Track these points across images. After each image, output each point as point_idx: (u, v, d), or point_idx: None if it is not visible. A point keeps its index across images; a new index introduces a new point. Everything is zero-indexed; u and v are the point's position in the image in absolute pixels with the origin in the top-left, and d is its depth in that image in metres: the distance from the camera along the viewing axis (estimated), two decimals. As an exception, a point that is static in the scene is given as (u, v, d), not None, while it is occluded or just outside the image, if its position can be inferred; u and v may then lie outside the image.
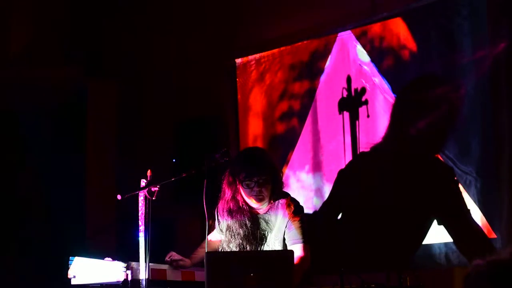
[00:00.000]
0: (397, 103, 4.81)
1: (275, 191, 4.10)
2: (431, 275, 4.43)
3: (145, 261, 3.85)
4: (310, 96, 5.26)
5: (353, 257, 4.66)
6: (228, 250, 4.11)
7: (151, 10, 6.45)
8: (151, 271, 3.91)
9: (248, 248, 4.07)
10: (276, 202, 4.10)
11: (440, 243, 4.55)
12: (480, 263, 2.16)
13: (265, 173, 4.03)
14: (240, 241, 4.09)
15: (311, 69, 5.27)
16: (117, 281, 3.94)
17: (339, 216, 5.01)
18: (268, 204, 4.11)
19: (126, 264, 3.95)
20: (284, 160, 5.33)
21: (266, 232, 4.10)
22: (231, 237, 4.11)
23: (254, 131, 5.58)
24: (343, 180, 4.99)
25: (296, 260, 3.79)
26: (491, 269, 2.13)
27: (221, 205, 4.17)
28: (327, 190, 5.10)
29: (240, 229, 4.09)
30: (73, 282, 4.07)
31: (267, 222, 4.11)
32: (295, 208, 4.08)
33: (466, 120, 4.50)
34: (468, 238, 4.45)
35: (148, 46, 6.40)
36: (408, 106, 4.77)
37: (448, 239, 4.53)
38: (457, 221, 4.50)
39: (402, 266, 3.92)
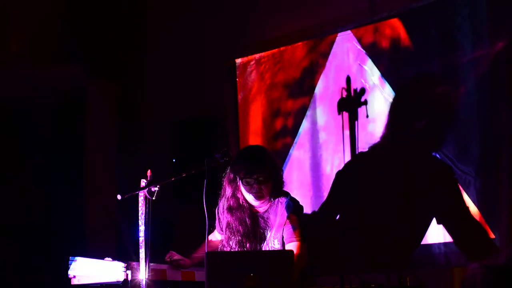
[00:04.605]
0: (397, 103, 4.81)
1: (275, 189, 4.09)
2: (431, 275, 4.43)
3: (145, 261, 3.86)
4: (309, 96, 5.26)
5: (353, 257, 4.66)
6: (228, 247, 4.10)
7: (151, 10, 6.45)
8: (151, 271, 3.91)
9: (248, 245, 4.07)
10: (276, 200, 4.10)
11: (440, 243, 4.55)
12: (476, 267, 2.16)
13: (265, 171, 4.03)
14: (240, 238, 4.08)
15: (311, 69, 5.28)
16: (117, 281, 3.94)
17: (338, 217, 5.02)
18: (268, 203, 4.10)
19: (126, 264, 3.95)
20: (283, 159, 5.33)
21: (266, 230, 4.10)
22: (231, 234, 4.11)
23: (254, 131, 5.58)
24: (342, 180, 4.99)
25: (292, 258, 3.78)
26: (487, 273, 2.13)
27: (222, 202, 4.17)
28: (325, 190, 5.10)
29: (240, 227, 4.08)
30: (73, 282, 4.07)
31: (266, 221, 4.10)
32: (294, 207, 4.06)
33: (465, 120, 4.50)
34: (468, 235, 4.44)
35: (148, 46, 6.41)
36: (407, 105, 4.77)
37: (448, 239, 4.53)
38: (457, 218, 4.50)
39: (402, 266, 3.92)
